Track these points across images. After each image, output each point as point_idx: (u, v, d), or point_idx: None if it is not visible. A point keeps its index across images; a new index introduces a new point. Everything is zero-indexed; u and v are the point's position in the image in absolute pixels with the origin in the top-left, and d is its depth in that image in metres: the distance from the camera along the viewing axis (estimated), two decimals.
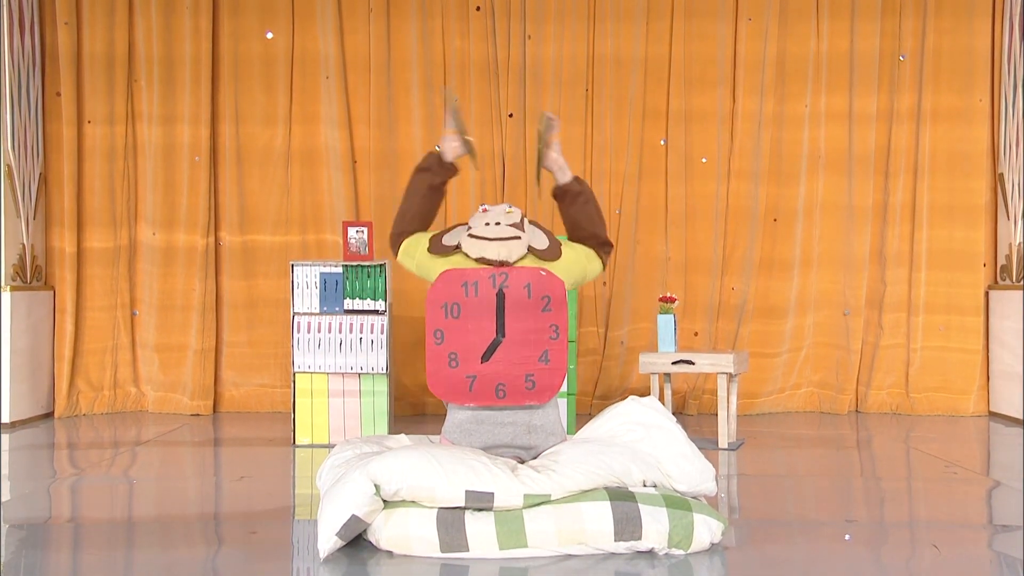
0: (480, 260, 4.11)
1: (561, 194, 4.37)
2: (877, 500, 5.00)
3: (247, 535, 4.18)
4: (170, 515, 4.58)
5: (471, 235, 4.14)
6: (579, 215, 4.34)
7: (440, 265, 4.19)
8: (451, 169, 4.41)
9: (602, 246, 4.36)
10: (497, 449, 4.08)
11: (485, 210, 4.24)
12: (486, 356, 4.05)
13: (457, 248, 4.18)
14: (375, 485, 3.75)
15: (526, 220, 4.24)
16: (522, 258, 4.14)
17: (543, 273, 4.08)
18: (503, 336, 4.06)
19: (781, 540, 4.11)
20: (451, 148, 4.40)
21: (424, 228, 4.38)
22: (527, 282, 4.07)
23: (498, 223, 4.15)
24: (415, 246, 4.31)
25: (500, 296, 4.06)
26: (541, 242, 4.20)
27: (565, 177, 4.35)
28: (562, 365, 4.08)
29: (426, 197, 4.36)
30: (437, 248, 4.20)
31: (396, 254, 4.38)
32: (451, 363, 4.06)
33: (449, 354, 4.07)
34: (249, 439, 6.66)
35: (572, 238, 4.39)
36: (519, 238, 4.13)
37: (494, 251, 4.09)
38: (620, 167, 7.78)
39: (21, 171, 7.36)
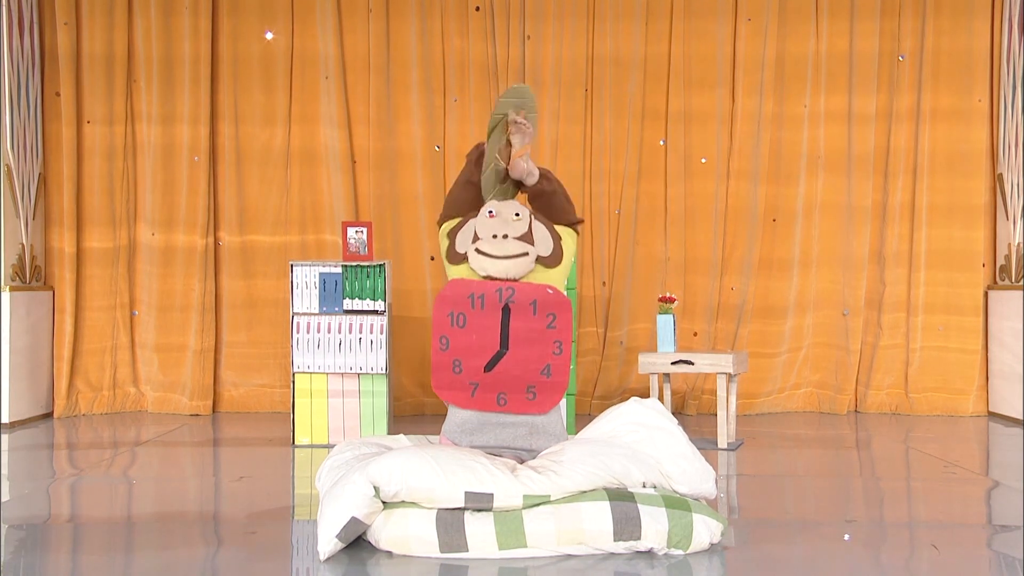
0: (486, 278, 4.11)
1: (532, 195, 4.38)
2: (876, 500, 5.00)
3: (247, 535, 4.18)
4: (170, 515, 4.58)
5: (478, 250, 4.12)
6: (550, 209, 4.33)
7: (452, 272, 4.21)
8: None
9: (573, 225, 4.37)
10: (498, 450, 4.08)
11: (492, 214, 4.20)
12: (489, 367, 4.06)
13: (466, 257, 4.17)
14: (374, 487, 3.75)
15: (534, 219, 4.23)
16: (529, 273, 4.14)
17: (550, 291, 4.07)
18: (506, 349, 4.06)
19: (780, 540, 4.11)
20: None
21: (462, 215, 4.37)
22: (533, 299, 4.07)
23: (505, 235, 4.12)
24: (444, 234, 4.35)
25: (505, 310, 4.06)
26: (546, 247, 4.18)
27: (533, 180, 4.33)
28: (564, 379, 4.08)
29: (464, 188, 4.38)
30: (452, 256, 4.21)
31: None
32: (455, 369, 4.08)
33: (453, 360, 4.08)
34: (249, 439, 6.66)
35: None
36: (527, 254, 4.12)
37: (501, 271, 4.09)
38: (619, 167, 7.78)
39: (20, 171, 7.36)
